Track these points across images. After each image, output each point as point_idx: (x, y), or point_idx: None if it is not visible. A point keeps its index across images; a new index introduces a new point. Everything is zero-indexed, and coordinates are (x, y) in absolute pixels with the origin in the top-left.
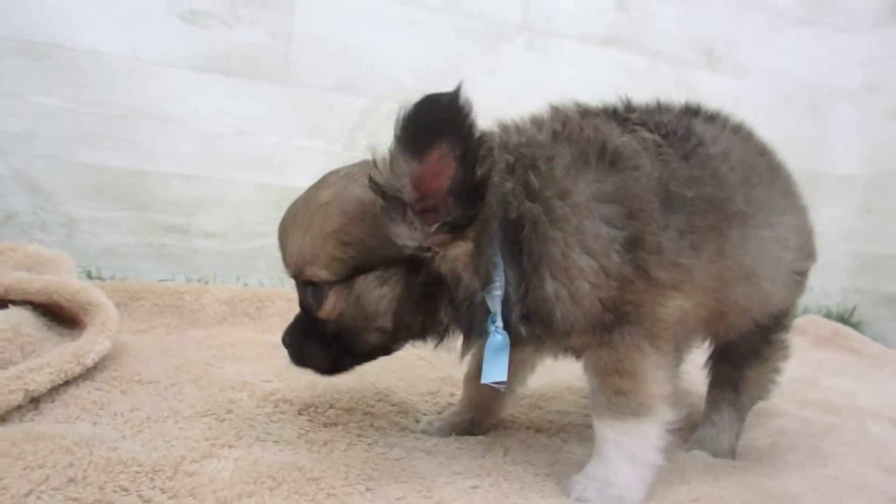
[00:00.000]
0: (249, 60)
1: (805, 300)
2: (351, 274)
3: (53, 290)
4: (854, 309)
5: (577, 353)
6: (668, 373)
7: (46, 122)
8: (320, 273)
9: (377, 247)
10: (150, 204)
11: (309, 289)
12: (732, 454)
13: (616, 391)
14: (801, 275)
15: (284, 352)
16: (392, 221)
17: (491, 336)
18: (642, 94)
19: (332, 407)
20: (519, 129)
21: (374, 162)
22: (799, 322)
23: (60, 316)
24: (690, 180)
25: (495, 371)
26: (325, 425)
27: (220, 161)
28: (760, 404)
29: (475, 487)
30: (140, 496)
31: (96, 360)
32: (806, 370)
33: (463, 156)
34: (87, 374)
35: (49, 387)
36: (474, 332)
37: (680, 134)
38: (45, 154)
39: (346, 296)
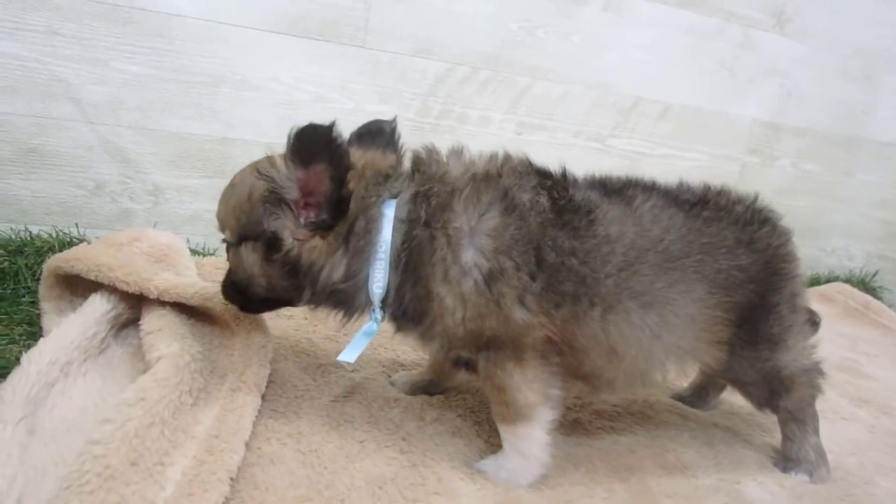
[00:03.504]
0: (329, 23)
1: (829, 261)
2: (240, 241)
3: (209, 297)
4: (876, 274)
5: (475, 369)
6: (538, 383)
7: (131, 90)
8: (226, 236)
9: (253, 223)
10: (232, 171)
11: (225, 245)
12: (823, 459)
13: (498, 402)
14: (714, 347)
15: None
16: (272, 209)
17: (369, 322)
18: (711, 56)
19: (477, 424)
20: (441, 162)
21: (274, 159)
22: (828, 290)
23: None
24: (558, 248)
25: (352, 353)
26: (481, 452)
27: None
28: (820, 402)
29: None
30: None
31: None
32: (843, 351)
33: (333, 177)
34: (236, 374)
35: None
36: (354, 312)
37: (576, 207)
38: (131, 122)
39: (237, 256)
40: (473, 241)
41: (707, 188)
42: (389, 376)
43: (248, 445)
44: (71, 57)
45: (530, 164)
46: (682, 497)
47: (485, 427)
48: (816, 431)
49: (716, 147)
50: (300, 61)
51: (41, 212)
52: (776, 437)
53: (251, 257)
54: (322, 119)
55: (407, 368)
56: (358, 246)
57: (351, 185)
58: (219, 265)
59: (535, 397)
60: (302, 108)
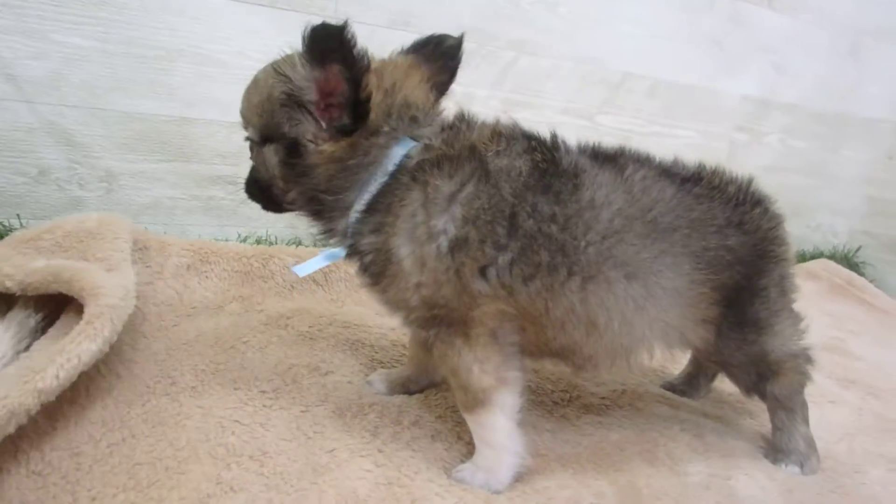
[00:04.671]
0: None
1: (813, 237)
2: (264, 140)
3: (52, 280)
4: (859, 249)
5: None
6: (491, 364)
7: (75, 66)
8: (249, 133)
9: (275, 125)
10: (194, 154)
11: (248, 142)
12: (813, 449)
13: (456, 387)
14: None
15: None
16: (290, 113)
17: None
18: (701, 31)
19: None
20: (470, 128)
21: (293, 58)
22: (813, 266)
23: None
24: (537, 214)
25: (306, 267)
26: (462, 456)
27: None
28: (808, 385)
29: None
30: None
31: (64, 379)
32: (830, 331)
33: (348, 78)
34: (205, 382)
35: None
36: (332, 235)
37: (561, 171)
38: (76, 101)
39: (259, 156)
40: (450, 208)
41: (701, 166)
42: (367, 376)
43: (205, 473)
44: (2, 28)
45: (518, 128)
46: (672, 498)
47: (465, 427)
48: (806, 420)
49: (705, 124)
50: (266, 33)
51: None
52: (766, 425)
53: (273, 159)
54: None
55: (386, 367)
56: (353, 164)
57: (373, 93)
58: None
59: (489, 380)
60: None
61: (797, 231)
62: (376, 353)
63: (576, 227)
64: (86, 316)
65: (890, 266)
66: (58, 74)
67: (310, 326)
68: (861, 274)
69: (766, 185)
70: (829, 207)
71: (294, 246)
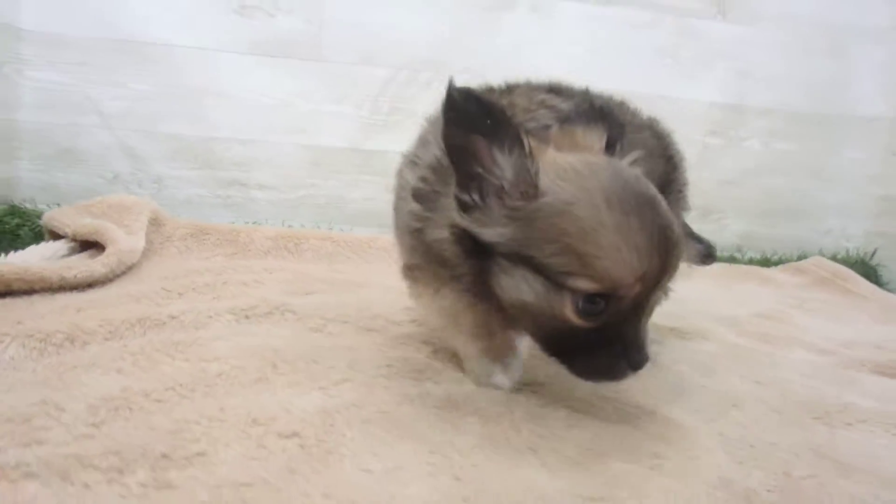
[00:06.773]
0: (287, 43)
1: (824, 242)
2: None
3: (93, 232)
4: (875, 252)
5: None
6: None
7: (138, 103)
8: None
9: None
10: (216, 163)
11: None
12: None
13: None
14: None
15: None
16: None
17: None
18: (649, 47)
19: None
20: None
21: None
22: (803, 264)
23: None
24: None
25: None
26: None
27: (267, 127)
28: (694, 328)
29: None
30: None
31: (80, 278)
32: (783, 307)
33: None
34: (169, 293)
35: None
36: None
37: None
38: (138, 127)
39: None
40: None
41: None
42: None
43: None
44: (96, 81)
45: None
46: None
47: None
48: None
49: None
50: (266, 75)
51: (75, 196)
52: None
53: None
54: (286, 121)
55: (310, 295)
56: None
57: None
58: (191, 223)
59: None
60: (270, 111)
61: (805, 235)
62: (305, 285)
63: None
64: (106, 252)
65: None
66: (128, 109)
67: (264, 269)
68: (877, 276)
69: (754, 187)
70: (835, 210)
71: (286, 227)
